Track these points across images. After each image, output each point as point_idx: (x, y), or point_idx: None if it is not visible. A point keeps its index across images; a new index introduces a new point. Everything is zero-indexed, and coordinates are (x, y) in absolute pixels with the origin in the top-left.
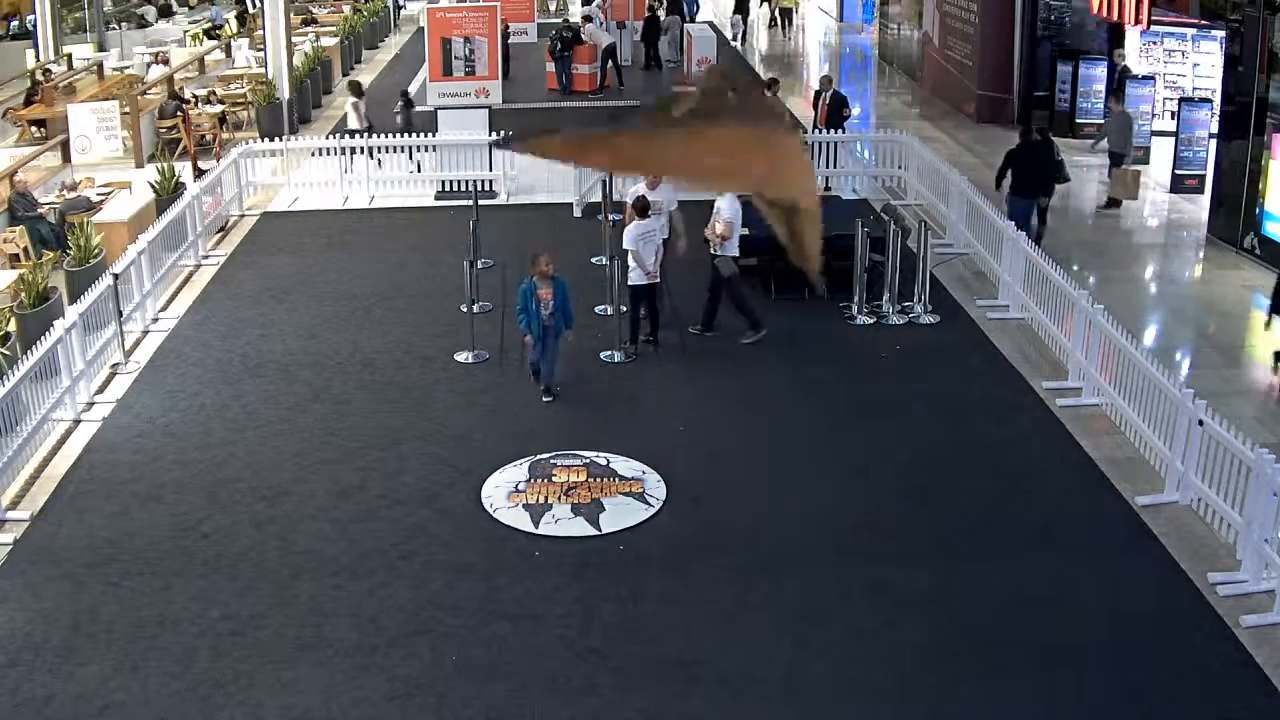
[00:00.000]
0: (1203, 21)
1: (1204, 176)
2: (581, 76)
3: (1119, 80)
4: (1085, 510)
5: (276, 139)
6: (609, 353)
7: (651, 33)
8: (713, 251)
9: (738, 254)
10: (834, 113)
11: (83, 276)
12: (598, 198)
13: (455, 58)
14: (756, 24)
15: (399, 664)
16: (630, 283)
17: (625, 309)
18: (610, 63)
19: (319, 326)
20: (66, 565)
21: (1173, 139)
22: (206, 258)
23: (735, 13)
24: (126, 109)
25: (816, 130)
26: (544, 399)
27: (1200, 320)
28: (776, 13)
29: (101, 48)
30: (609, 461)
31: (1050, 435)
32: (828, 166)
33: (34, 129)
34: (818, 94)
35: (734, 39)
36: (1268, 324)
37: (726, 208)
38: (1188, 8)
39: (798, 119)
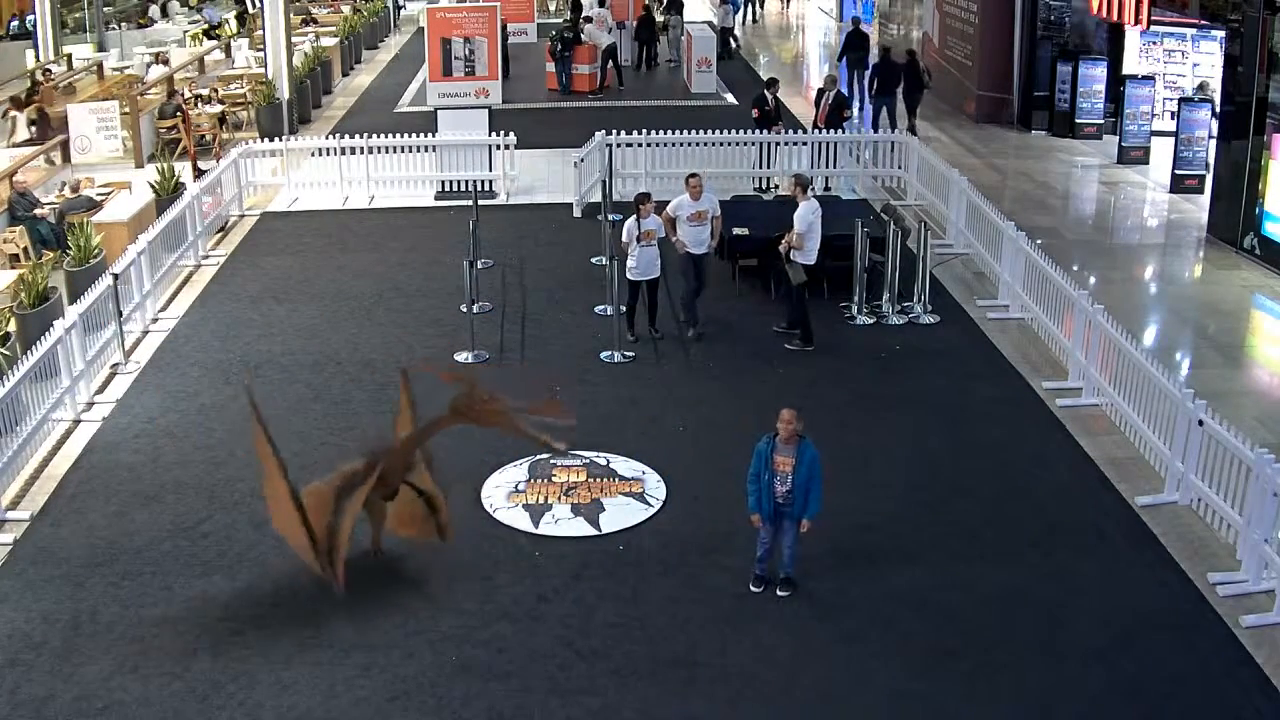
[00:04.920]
0: (1203, 21)
1: (1204, 176)
2: (581, 76)
3: None
4: (1085, 510)
5: (276, 139)
6: (609, 353)
7: (646, 32)
8: (788, 260)
9: (811, 262)
10: (834, 113)
11: (83, 276)
12: (598, 198)
13: (455, 58)
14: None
15: (399, 664)
16: (630, 278)
17: (624, 308)
18: (610, 63)
19: (319, 326)
20: (66, 565)
21: (1173, 139)
22: (206, 258)
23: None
24: (126, 109)
25: (816, 129)
26: (779, 592)
27: (1200, 320)
28: None
29: (101, 48)
30: (609, 461)
31: (1050, 435)
32: (827, 166)
33: (34, 128)
34: (820, 93)
35: (741, 24)
36: None
37: (800, 217)
38: (1188, 6)
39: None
